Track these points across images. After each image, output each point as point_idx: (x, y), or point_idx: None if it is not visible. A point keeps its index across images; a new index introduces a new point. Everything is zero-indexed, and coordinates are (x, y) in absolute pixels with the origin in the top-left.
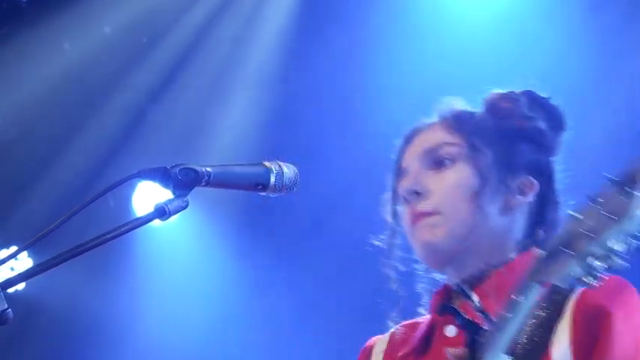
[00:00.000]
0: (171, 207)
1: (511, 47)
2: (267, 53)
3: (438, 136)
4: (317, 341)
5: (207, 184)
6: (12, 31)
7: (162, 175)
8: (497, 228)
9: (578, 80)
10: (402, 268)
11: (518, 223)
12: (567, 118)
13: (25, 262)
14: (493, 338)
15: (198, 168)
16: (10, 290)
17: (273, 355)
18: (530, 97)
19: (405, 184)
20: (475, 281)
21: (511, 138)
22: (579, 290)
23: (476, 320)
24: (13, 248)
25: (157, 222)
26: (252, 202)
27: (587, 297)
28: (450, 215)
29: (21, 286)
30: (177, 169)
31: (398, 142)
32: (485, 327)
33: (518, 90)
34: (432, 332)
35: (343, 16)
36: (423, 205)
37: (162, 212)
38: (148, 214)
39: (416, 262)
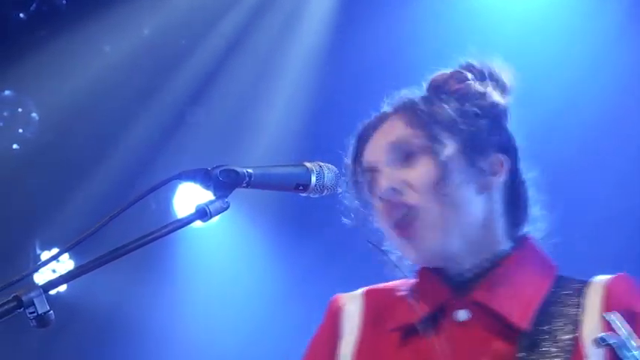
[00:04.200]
0: (212, 208)
1: (550, 43)
2: (306, 53)
3: (400, 130)
4: None
5: (248, 185)
6: (52, 33)
7: (203, 177)
8: (478, 216)
9: (624, 76)
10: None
11: (498, 205)
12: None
13: (66, 264)
14: None
15: (239, 169)
16: (52, 292)
17: None
18: (475, 70)
19: (381, 186)
20: (474, 276)
21: (472, 119)
22: (597, 284)
23: (490, 310)
24: (55, 250)
25: (198, 223)
26: (294, 203)
27: (613, 296)
28: (428, 210)
29: (63, 288)
30: (218, 171)
31: (352, 140)
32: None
33: (460, 66)
34: (439, 312)
35: (382, 14)
36: (401, 200)
37: (203, 214)
38: (189, 216)
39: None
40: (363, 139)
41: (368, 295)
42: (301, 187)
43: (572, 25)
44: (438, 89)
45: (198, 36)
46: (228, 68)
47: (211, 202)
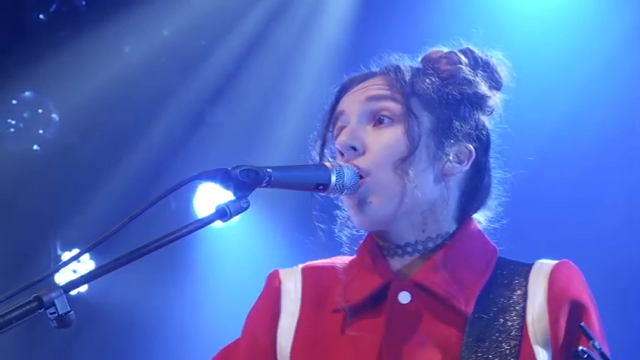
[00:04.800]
0: (232, 208)
1: (568, 42)
2: (325, 52)
3: (381, 88)
4: None
5: (268, 185)
6: (71, 34)
7: (223, 177)
8: (430, 197)
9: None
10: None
11: (453, 192)
12: (508, 76)
13: (87, 264)
14: None
15: (258, 169)
16: (73, 293)
17: None
18: (471, 57)
19: (343, 139)
20: (415, 252)
21: (451, 104)
22: (541, 269)
23: (433, 293)
24: (76, 251)
25: (218, 223)
26: (313, 203)
27: (557, 284)
28: (380, 178)
29: (83, 288)
30: (238, 171)
31: (334, 88)
32: (440, 298)
33: (458, 49)
34: (383, 292)
35: (401, 13)
36: (358, 162)
37: (223, 214)
38: (209, 216)
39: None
40: (343, 90)
41: (306, 272)
42: (321, 187)
43: (589, 25)
44: (428, 64)
45: (217, 36)
46: (248, 68)
47: (231, 202)
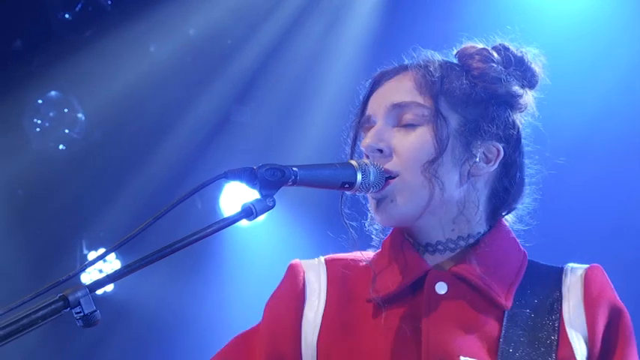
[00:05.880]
0: (258, 207)
1: (596, 42)
2: (353, 50)
3: (408, 91)
4: None
5: (294, 183)
6: (97, 34)
7: (249, 176)
8: (458, 197)
9: None
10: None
11: (482, 191)
12: (542, 74)
13: (113, 264)
14: None
15: (284, 168)
16: (99, 292)
17: None
18: (505, 54)
19: (368, 141)
20: (447, 250)
21: (482, 103)
22: (574, 272)
23: (473, 284)
24: (101, 250)
25: (244, 222)
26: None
27: (593, 287)
28: (408, 180)
29: (110, 287)
30: (263, 169)
31: (366, 82)
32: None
33: (492, 45)
34: (419, 283)
35: (429, 10)
36: (387, 166)
37: (249, 212)
38: (236, 215)
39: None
40: (375, 84)
41: (330, 264)
42: (347, 186)
43: (616, 25)
44: (460, 60)
45: (243, 35)
46: (274, 67)
47: (257, 200)
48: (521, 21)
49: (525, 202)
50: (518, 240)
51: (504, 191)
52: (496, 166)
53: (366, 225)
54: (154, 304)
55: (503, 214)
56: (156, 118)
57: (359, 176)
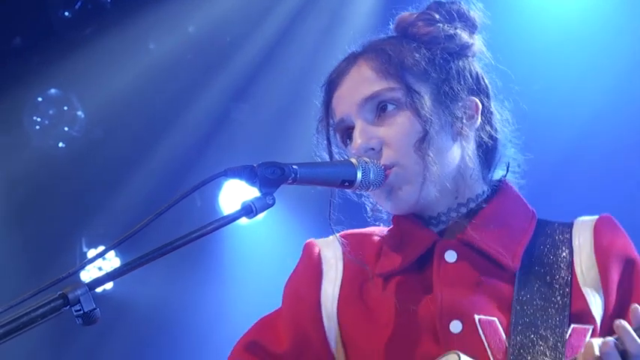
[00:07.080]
0: (257, 205)
1: (596, 42)
2: (353, 47)
3: (372, 80)
4: None
5: (294, 181)
6: (97, 31)
7: (249, 174)
8: (453, 162)
9: None
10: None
11: (471, 151)
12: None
13: (112, 261)
14: None
15: (284, 166)
16: (99, 290)
17: None
18: (443, 10)
19: (359, 142)
20: (449, 220)
21: (443, 64)
22: (583, 224)
23: (480, 250)
24: (101, 248)
25: (243, 220)
26: (338, 199)
27: (602, 237)
28: (407, 166)
29: (109, 285)
30: (263, 167)
31: (321, 87)
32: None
33: (426, 6)
34: (429, 253)
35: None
36: (383, 161)
37: (249, 210)
38: (235, 213)
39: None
40: (332, 85)
41: (345, 239)
42: (347, 183)
43: (615, 27)
44: (405, 31)
45: (243, 33)
46: (274, 64)
47: (257, 198)
48: (521, 21)
49: (513, 154)
50: (524, 199)
51: (491, 139)
52: (478, 120)
53: (368, 210)
54: (153, 301)
55: (501, 174)
56: (155, 116)
57: (359, 174)
